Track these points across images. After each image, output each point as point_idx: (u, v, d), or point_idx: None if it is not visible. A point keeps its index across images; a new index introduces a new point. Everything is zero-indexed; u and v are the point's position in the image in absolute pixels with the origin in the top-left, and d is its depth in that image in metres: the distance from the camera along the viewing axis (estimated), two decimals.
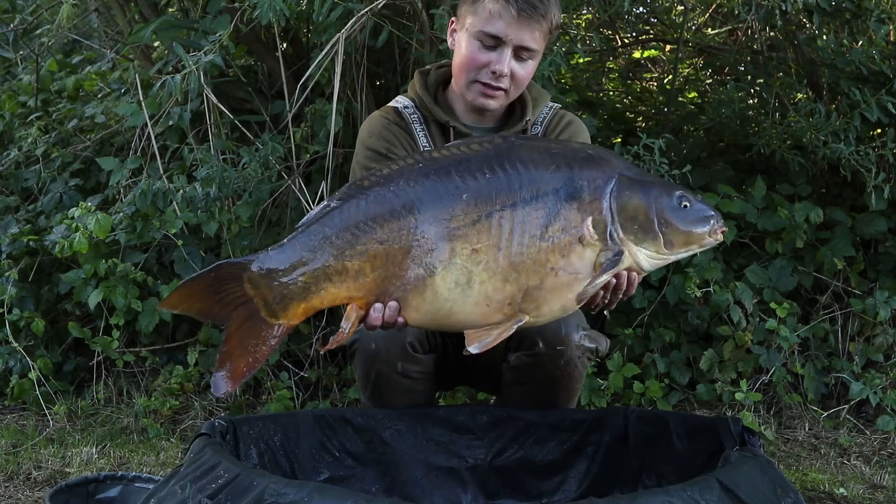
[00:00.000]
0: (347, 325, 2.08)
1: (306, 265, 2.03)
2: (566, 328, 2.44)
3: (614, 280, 2.09)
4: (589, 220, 2.04)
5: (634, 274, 2.12)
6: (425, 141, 2.52)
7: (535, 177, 2.05)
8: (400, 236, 2.03)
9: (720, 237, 2.14)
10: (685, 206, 2.10)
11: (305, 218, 2.09)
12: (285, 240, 2.07)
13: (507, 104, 2.52)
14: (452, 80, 2.52)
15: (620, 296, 2.15)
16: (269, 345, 2.05)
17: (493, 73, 2.39)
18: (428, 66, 2.63)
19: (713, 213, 2.14)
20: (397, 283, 2.03)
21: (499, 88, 2.41)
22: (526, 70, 2.42)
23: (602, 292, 2.11)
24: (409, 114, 2.55)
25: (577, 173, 2.06)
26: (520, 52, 2.38)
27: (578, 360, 2.49)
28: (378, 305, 2.05)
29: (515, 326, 2.06)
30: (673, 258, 2.14)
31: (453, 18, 2.50)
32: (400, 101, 2.58)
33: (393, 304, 2.04)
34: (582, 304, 2.10)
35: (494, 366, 2.57)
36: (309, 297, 2.04)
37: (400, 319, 2.06)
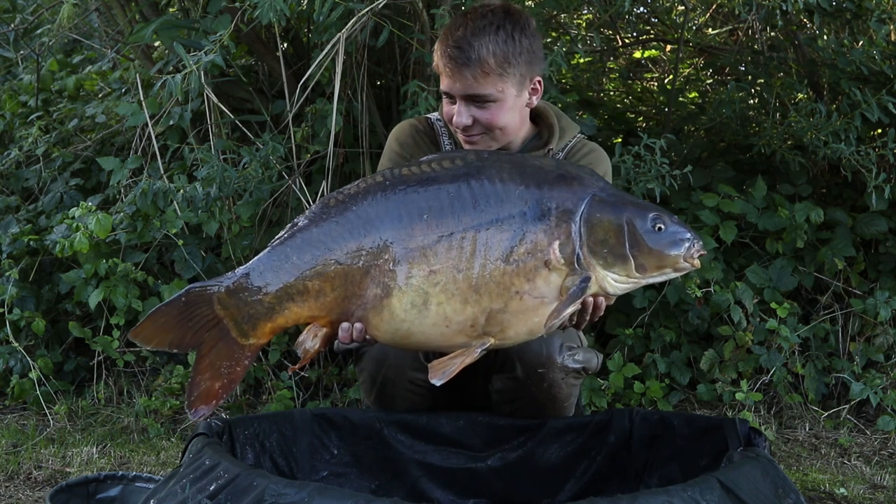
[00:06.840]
0: (308, 339, 2.09)
1: (270, 285, 2.04)
2: (548, 349, 2.36)
3: (580, 305, 2.04)
4: (556, 244, 2.00)
5: (601, 298, 2.08)
6: None
7: (502, 196, 2.02)
8: (358, 256, 2.03)
9: (697, 263, 2.07)
10: (659, 228, 2.04)
11: (277, 236, 2.10)
12: (252, 260, 2.08)
13: (536, 129, 2.51)
14: None
15: (588, 318, 2.11)
16: (242, 365, 2.06)
17: (457, 125, 2.38)
18: None
19: (689, 235, 2.06)
20: (358, 302, 2.03)
21: (473, 135, 2.39)
22: (490, 113, 2.34)
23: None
24: (440, 126, 2.56)
25: (547, 194, 2.02)
26: (473, 100, 2.33)
27: (563, 382, 2.42)
28: (346, 325, 2.05)
29: (479, 351, 2.04)
30: (644, 282, 2.08)
31: None
32: (434, 115, 2.60)
33: (358, 324, 2.04)
34: (550, 331, 2.06)
35: (482, 387, 2.53)
36: (274, 317, 2.05)
37: (368, 337, 2.06)
